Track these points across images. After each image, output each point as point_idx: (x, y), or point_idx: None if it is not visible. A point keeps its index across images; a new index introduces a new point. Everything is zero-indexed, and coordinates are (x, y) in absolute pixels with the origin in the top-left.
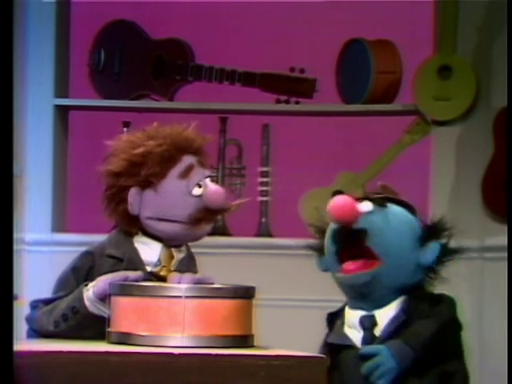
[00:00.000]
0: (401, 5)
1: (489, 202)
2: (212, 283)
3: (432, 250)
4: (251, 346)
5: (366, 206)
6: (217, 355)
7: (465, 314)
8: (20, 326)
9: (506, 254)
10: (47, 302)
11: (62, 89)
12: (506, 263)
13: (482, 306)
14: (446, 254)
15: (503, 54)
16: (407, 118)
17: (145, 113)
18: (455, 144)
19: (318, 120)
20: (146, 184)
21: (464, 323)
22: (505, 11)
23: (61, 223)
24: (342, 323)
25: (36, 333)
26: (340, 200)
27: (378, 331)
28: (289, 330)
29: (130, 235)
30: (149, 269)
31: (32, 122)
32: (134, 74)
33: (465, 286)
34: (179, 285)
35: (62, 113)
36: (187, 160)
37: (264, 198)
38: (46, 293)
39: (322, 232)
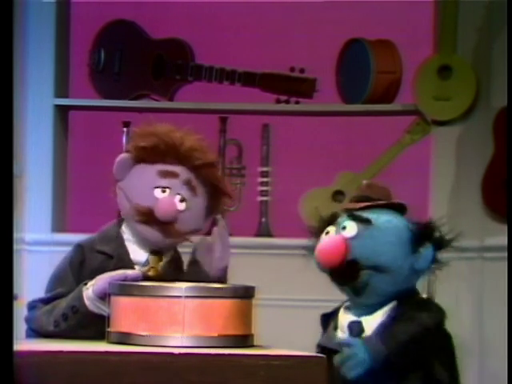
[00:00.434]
0: (401, 5)
1: (489, 202)
2: None
3: (425, 255)
4: (251, 346)
5: (350, 231)
6: (216, 355)
7: (465, 314)
8: (20, 326)
9: (506, 254)
10: (45, 300)
11: (61, 89)
12: (506, 263)
13: (481, 306)
14: (440, 254)
15: (503, 54)
16: (407, 118)
17: (145, 113)
18: (455, 144)
19: (318, 120)
20: (140, 155)
21: (463, 327)
22: (505, 11)
23: (61, 223)
24: (335, 326)
25: (36, 333)
26: (324, 247)
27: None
28: (289, 330)
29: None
30: (137, 268)
31: (32, 122)
32: (133, 74)
33: (465, 286)
34: (179, 285)
35: (61, 113)
36: (179, 170)
37: (264, 198)
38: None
39: (319, 233)
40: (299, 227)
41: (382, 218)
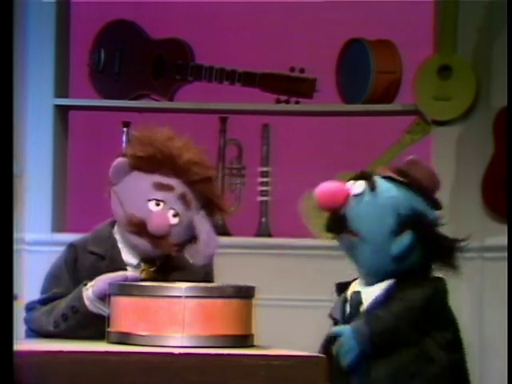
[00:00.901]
0: (401, 5)
1: (489, 202)
2: None
3: (400, 240)
4: (251, 346)
5: (357, 188)
6: (216, 355)
7: (465, 314)
8: (20, 326)
9: (506, 254)
10: (43, 301)
11: (61, 89)
12: (506, 263)
13: (481, 306)
14: (425, 245)
15: (503, 54)
16: (407, 118)
17: (145, 113)
18: (455, 144)
19: (318, 120)
20: (137, 164)
21: (463, 327)
22: (505, 11)
23: (61, 223)
24: (345, 296)
25: (35, 333)
26: (326, 186)
27: (363, 309)
28: (289, 330)
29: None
30: (129, 269)
31: (32, 121)
32: (133, 74)
33: (465, 285)
34: (179, 285)
35: (61, 113)
36: (176, 184)
37: (264, 198)
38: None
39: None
40: (299, 227)
41: (389, 193)
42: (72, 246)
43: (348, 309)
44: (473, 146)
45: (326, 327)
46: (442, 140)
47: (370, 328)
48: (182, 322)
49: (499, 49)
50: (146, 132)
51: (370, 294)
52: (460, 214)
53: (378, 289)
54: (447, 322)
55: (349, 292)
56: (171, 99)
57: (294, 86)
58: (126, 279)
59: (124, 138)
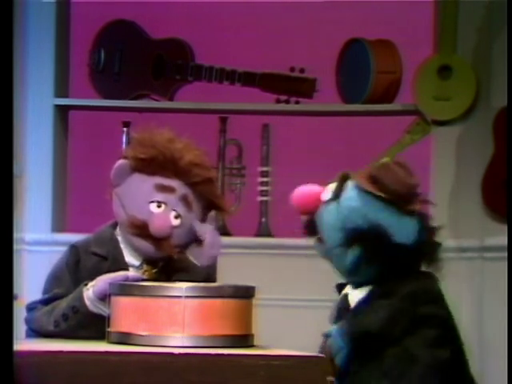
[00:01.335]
0: (401, 5)
1: (489, 202)
2: None
3: (350, 254)
4: (251, 346)
5: (326, 194)
6: (217, 355)
7: (465, 314)
8: (20, 326)
9: (506, 254)
10: (44, 302)
11: (61, 89)
12: (506, 263)
13: (481, 306)
14: (367, 259)
15: (503, 54)
16: (407, 118)
17: (145, 113)
18: (455, 144)
19: (318, 120)
20: (138, 166)
21: (463, 327)
22: (505, 11)
23: (61, 223)
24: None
25: (36, 333)
26: (300, 190)
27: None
28: (289, 330)
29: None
30: (131, 270)
31: (32, 121)
32: (134, 74)
33: (465, 285)
34: (179, 285)
35: (61, 113)
36: (177, 184)
37: (264, 198)
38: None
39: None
40: (299, 227)
41: (349, 202)
42: (74, 247)
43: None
44: (473, 145)
45: (326, 327)
46: (442, 140)
47: (351, 327)
48: (182, 322)
49: (499, 49)
50: (146, 134)
51: (356, 296)
52: (460, 214)
53: (363, 291)
54: (433, 319)
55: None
56: (171, 99)
57: (294, 85)
58: (126, 279)
59: (124, 138)
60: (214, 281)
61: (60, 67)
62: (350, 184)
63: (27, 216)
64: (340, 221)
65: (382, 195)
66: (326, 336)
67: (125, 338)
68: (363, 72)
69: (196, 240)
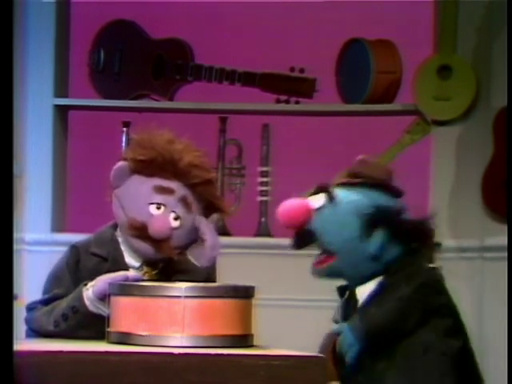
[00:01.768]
0: (401, 5)
1: (489, 202)
2: None
3: (374, 240)
4: (251, 346)
5: (318, 202)
6: (216, 355)
7: (465, 314)
8: (20, 326)
9: (506, 254)
10: (44, 302)
11: (61, 89)
12: (506, 263)
13: (481, 306)
14: (396, 240)
15: (503, 54)
16: (407, 118)
17: (145, 113)
18: (455, 144)
19: (318, 120)
20: (138, 167)
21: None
22: (505, 11)
23: (61, 223)
24: (344, 300)
25: (36, 333)
26: (287, 205)
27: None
28: (289, 330)
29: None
30: (131, 271)
31: (32, 121)
32: (133, 74)
33: (465, 285)
34: (179, 284)
35: (61, 113)
36: (176, 186)
37: (264, 198)
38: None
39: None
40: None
41: (349, 198)
42: (74, 248)
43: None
44: (473, 145)
45: (326, 327)
46: (442, 140)
47: (363, 322)
48: (181, 322)
49: (499, 49)
50: (146, 135)
51: (364, 291)
52: (460, 214)
53: (371, 286)
54: (444, 310)
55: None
56: (171, 99)
57: (293, 85)
58: (126, 279)
59: (124, 138)
60: (213, 281)
61: (60, 67)
62: (336, 187)
63: (27, 216)
64: (349, 216)
65: (372, 182)
66: (335, 334)
67: (125, 338)
68: (363, 72)
69: (197, 239)
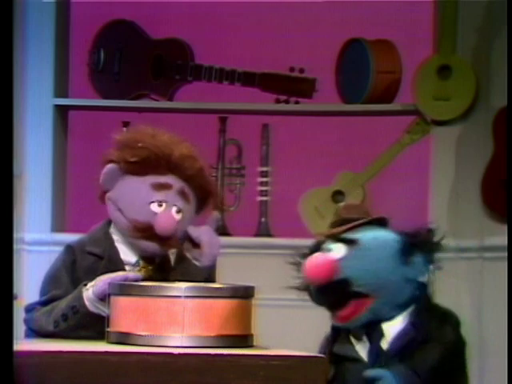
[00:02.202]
0: (401, 5)
1: (488, 202)
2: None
3: (416, 264)
4: (251, 346)
5: (338, 253)
6: (216, 355)
7: (465, 314)
8: (20, 326)
9: (505, 254)
10: (43, 303)
11: (61, 89)
12: (505, 263)
13: (481, 305)
14: (431, 259)
15: (503, 54)
16: (407, 118)
17: (144, 113)
18: (455, 144)
19: (318, 120)
20: (130, 168)
21: (464, 324)
22: (505, 11)
23: (60, 223)
24: (348, 332)
25: (35, 333)
26: (312, 261)
27: (384, 344)
28: (289, 330)
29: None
30: (128, 268)
31: (32, 121)
32: (133, 74)
33: (465, 285)
34: (179, 284)
35: (61, 112)
36: (172, 180)
37: (264, 198)
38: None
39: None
40: (299, 227)
41: (368, 236)
42: (70, 248)
43: (365, 346)
44: (472, 146)
45: (326, 327)
46: (442, 140)
47: (416, 373)
48: (181, 322)
49: (499, 49)
50: (129, 135)
51: (391, 327)
52: (460, 214)
53: (399, 321)
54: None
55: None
56: (171, 99)
57: (293, 85)
58: (126, 279)
59: None
60: (213, 281)
61: (60, 67)
62: (340, 235)
63: (27, 216)
64: (380, 250)
65: (372, 219)
66: (373, 380)
67: (124, 338)
68: (363, 72)
69: (193, 243)
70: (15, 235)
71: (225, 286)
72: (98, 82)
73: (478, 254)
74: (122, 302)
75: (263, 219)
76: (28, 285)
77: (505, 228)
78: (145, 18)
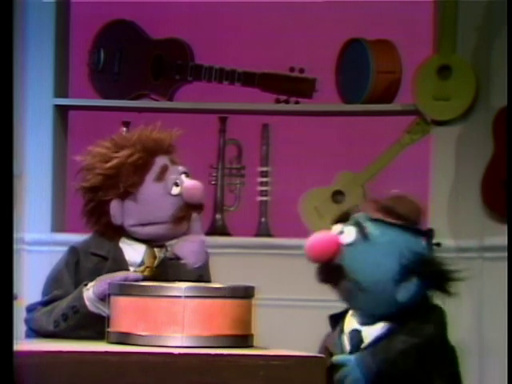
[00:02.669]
0: (401, 5)
1: (488, 202)
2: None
3: (407, 287)
4: (250, 346)
5: (348, 237)
6: (216, 355)
7: (464, 314)
8: (20, 326)
9: (505, 254)
10: (44, 303)
11: (61, 89)
12: (505, 263)
13: (481, 305)
14: (425, 292)
15: (503, 54)
16: (407, 118)
17: (144, 113)
18: (455, 144)
19: (318, 120)
20: (126, 194)
21: (463, 327)
22: (505, 11)
23: (60, 223)
24: (342, 330)
25: (36, 333)
26: (315, 238)
27: (364, 346)
28: (289, 330)
29: (113, 240)
30: (132, 269)
31: (32, 121)
32: (133, 74)
33: (465, 286)
34: (179, 284)
35: (61, 112)
36: (160, 161)
37: (264, 198)
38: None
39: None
40: (299, 227)
41: (384, 238)
42: (73, 249)
43: (347, 346)
44: (472, 145)
45: (326, 327)
46: (442, 140)
47: (375, 359)
48: (181, 322)
49: (499, 49)
50: (113, 163)
51: (371, 332)
52: (460, 214)
53: (380, 327)
54: (450, 356)
55: (346, 328)
56: (171, 99)
57: (293, 85)
58: (126, 279)
59: None
60: (207, 281)
61: (60, 67)
62: (367, 221)
63: (27, 216)
64: (386, 257)
65: (407, 223)
66: (339, 364)
67: (124, 338)
68: (363, 72)
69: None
70: (15, 235)
71: (225, 286)
72: (97, 82)
73: (478, 253)
74: (122, 302)
75: (263, 219)
76: (28, 285)
77: (505, 228)
78: (145, 18)
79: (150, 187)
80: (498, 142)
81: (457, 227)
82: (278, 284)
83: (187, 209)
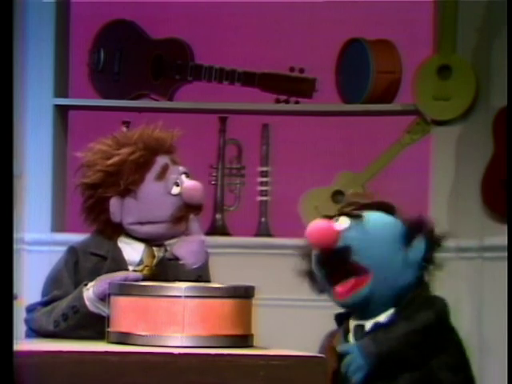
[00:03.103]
0: (401, 5)
1: (488, 202)
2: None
3: (418, 247)
4: (251, 346)
5: (343, 223)
6: (216, 355)
7: (465, 313)
8: (20, 326)
9: (505, 254)
10: (44, 304)
11: (61, 88)
12: (505, 263)
13: (481, 305)
14: (433, 247)
15: (503, 53)
16: (407, 118)
17: (144, 112)
18: (455, 144)
19: (318, 120)
20: (126, 192)
21: (463, 327)
22: (505, 11)
23: (60, 223)
24: (347, 329)
25: (36, 333)
26: (316, 225)
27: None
28: (289, 330)
29: (111, 239)
30: (131, 268)
31: (32, 121)
32: (133, 74)
33: (464, 285)
34: (179, 284)
35: (61, 112)
36: (161, 161)
37: (264, 198)
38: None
39: (308, 256)
40: (299, 227)
41: (374, 215)
42: (72, 249)
43: (352, 340)
44: (472, 145)
45: (326, 327)
46: (442, 140)
47: (376, 345)
48: (181, 322)
49: (499, 49)
50: (114, 160)
51: (373, 323)
52: (460, 214)
53: (381, 318)
54: (451, 344)
55: (351, 325)
56: (171, 99)
57: (293, 85)
58: (126, 279)
59: None
60: (206, 281)
61: (60, 67)
62: (347, 211)
63: (27, 216)
64: (384, 229)
65: (378, 205)
66: (342, 354)
67: (124, 338)
68: (363, 72)
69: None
70: (15, 235)
71: (225, 286)
72: (97, 81)
73: (478, 253)
74: (122, 302)
75: (263, 219)
76: (28, 285)
77: (505, 228)
78: (145, 18)
79: (150, 186)
80: (498, 142)
81: (457, 227)
82: (278, 284)
83: (186, 209)
